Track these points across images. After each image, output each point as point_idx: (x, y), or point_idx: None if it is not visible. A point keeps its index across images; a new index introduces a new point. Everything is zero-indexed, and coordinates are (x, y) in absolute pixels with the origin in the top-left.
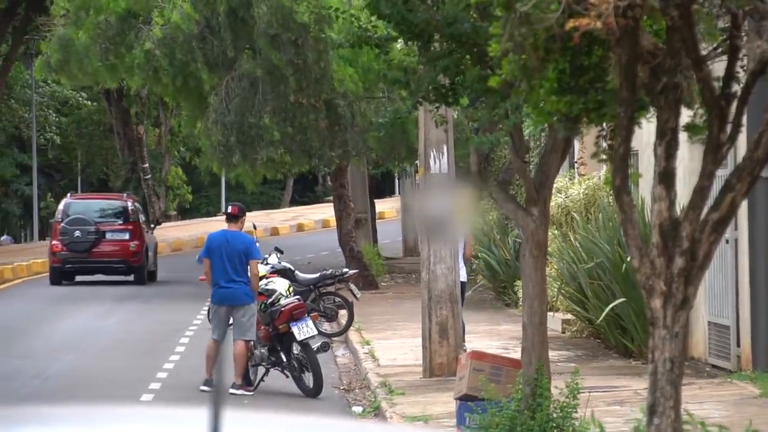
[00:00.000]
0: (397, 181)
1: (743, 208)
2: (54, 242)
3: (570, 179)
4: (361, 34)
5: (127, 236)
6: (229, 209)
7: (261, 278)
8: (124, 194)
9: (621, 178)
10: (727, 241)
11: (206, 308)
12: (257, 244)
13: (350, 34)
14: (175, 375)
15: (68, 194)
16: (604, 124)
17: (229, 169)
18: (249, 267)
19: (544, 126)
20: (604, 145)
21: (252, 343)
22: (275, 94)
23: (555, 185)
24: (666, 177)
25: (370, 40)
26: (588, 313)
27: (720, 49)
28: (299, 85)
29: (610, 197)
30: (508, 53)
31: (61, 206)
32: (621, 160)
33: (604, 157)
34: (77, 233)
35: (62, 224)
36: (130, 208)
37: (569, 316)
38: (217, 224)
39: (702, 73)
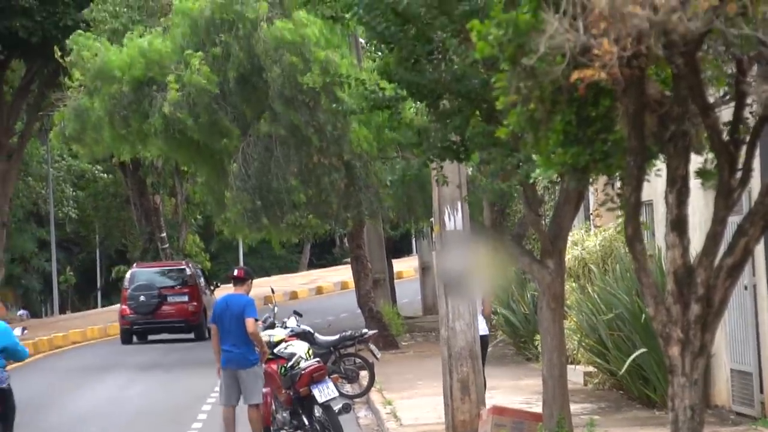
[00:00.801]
0: (414, 240)
1: (760, 253)
2: (123, 307)
3: (586, 231)
4: (375, 98)
5: (186, 298)
6: (235, 272)
7: (279, 342)
8: (184, 260)
9: (633, 228)
10: (745, 288)
11: None
12: (270, 307)
13: (362, 99)
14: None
15: (134, 264)
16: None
17: (257, 234)
18: (246, 325)
19: (555, 178)
20: (612, 192)
21: (273, 406)
22: (298, 156)
23: (571, 237)
24: (678, 224)
25: (381, 103)
26: (609, 365)
27: (727, 96)
28: (321, 145)
29: (626, 247)
30: (515, 105)
31: (128, 275)
32: (632, 209)
33: (612, 204)
34: (142, 298)
35: (129, 290)
36: (188, 273)
37: (591, 368)
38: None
39: (710, 120)
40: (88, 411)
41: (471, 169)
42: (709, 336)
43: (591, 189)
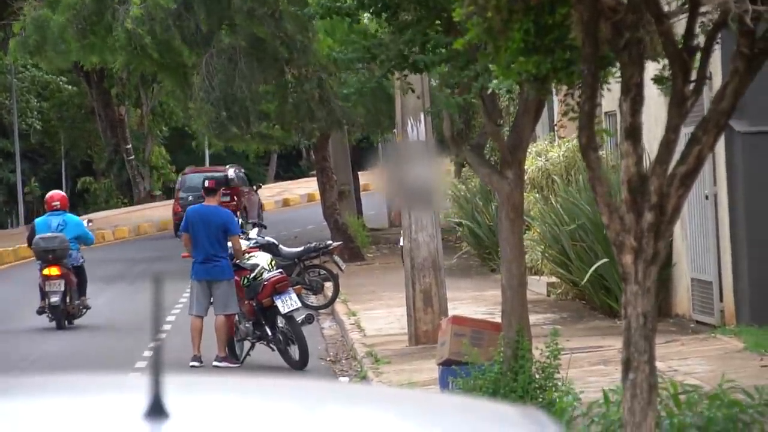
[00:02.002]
0: (381, 152)
1: (721, 163)
2: (175, 204)
3: (550, 142)
4: (330, 5)
5: (227, 198)
6: (206, 183)
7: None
8: (228, 166)
9: (587, 136)
10: (706, 197)
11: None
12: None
13: (319, 5)
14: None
15: (186, 169)
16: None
17: (226, 142)
18: (231, 243)
19: (514, 87)
20: (572, 102)
21: (236, 317)
22: (261, 67)
23: (534, 148)
24: (632, 133)
25: (340, 10)
26: (572, 276)
27: (685, 5)
28: (288, 56)
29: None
30: (472, 16)
31: (179, 178)
32: (587, 117)
33: (573, 114)
34: (190, 198)
35: (180, 191)
36: (229, 176)
37: (554, 279)
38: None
39: (663, 27)
40: (50, 323)
41: (436, 81)
42: (661, 244)
43: (555, 99)
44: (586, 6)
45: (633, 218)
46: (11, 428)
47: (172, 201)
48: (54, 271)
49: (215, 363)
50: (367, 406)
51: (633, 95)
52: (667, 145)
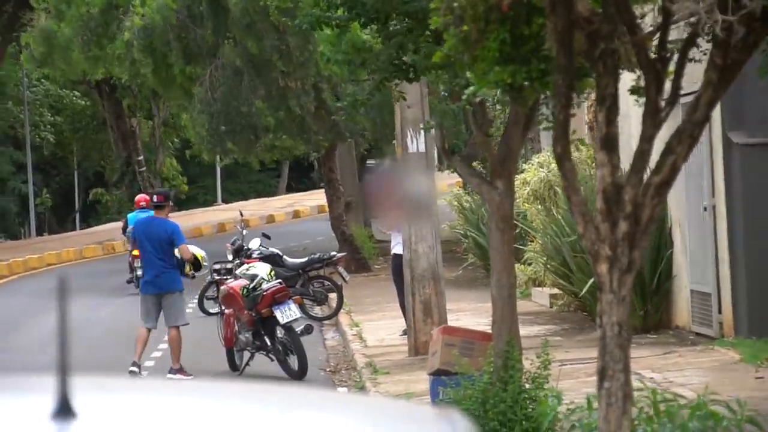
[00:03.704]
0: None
1: (719, 174)
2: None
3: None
4: (319, 15)
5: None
6: (155, 198)
7: (242, 264)
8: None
9: (562, 146)
10: (705, 209)
11: (196, 297)
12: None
13: (309, 15)
14: (162, 362)
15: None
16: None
17: (220, 157)
18: (181, 253)
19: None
20: (546, 112)
21: (236, 327)
22: (261, 80)
23: (537, 160)
24: (607, 143)
25: (329, 20)
26: (573, 287)
27: (655, 14)
28: (287, 69)
29: (593, 170)
30: (449, 27)
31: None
32: (561, 127)
33: (547, 124)
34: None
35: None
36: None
37: (556, 290)
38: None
39: (636, 37)
40: (53, 332)
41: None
42: (636, 253)
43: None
44: (560, 16)
45: (608, 227)
46: None
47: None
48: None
49: (169, 375)
50: (279, 406)
51: (608, 105)
52: (641, 155)
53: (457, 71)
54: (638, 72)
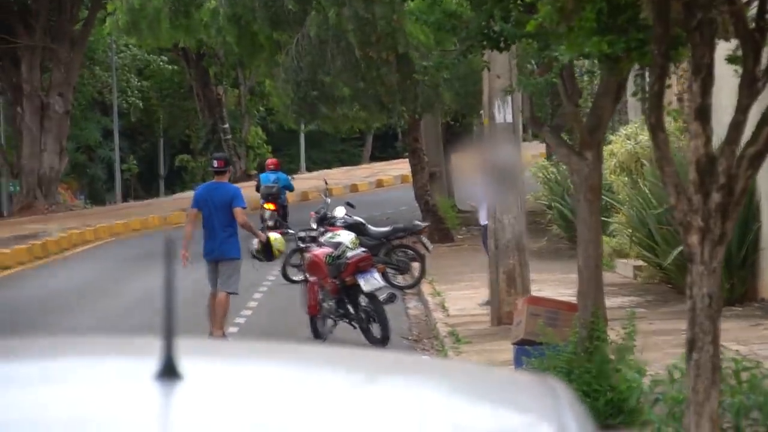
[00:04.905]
0: (475, 134)
1: None
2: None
3: (641, 126)
4: None
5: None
6: (215, 163)
7: (325, 232)
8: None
9: (656, 116)
10: None
11: (281, 267)
12: (324, 198)
13: None
14: (246, 327)
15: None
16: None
17: (305, 124)
18: (235, 215)
19: (592, 68)
20: (641, 82)
21: (320, 295)
22: (340, 50)
23: (625, 132)
24: (702, 113)
25: None
26: (658, 259)
27: None
28: (367, 40)
29: (681, 141)
30: None
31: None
32: (656, 97)
33: (642, 95)
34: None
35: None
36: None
37: (640, 262)
38: (297, 182)
39: (735, 7)
40: (139, 297)
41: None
42: (729, 224)
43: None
44: None
45: (700, 199)
46: (19, 391)
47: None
48: (270, 206)
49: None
50: (360, 368)
51: (703, 75)
52: (736, 125)
53: (548, 41)
54: (735, 42)
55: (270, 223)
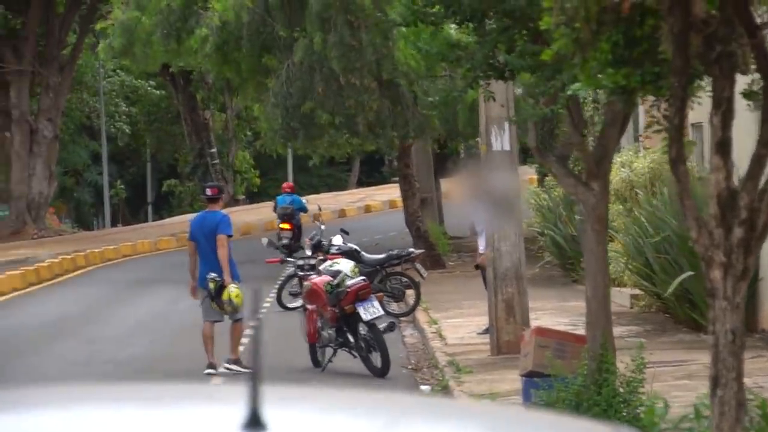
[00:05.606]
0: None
1: None
2: None
3: (635, 153)
4: (417, 10)
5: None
6: (208, 191)
7: (324, 260)
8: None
9: (676, 149)
10: None
11: (274, 290)
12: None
13: (408, 11)
14: (245, 357)
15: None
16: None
17: (292, 149)
18: (217, 242)
19: (596, 97)
20: (657, 114)
21: (319, 323)
22: (323, 76)
23: (619, 159)
24: (722, 147)
25: (425, 17)
26: (656, 288)
27: None
28: (350, 66)
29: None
30: (560, 26)
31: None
32: (676, 130)
33: (658, 126)
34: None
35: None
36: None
37: (637, 291)
38: None
39: (756, 40)
40: (134, 324)
41: (520, 90)
42: (752, 259)
43: (641, 110)
44: (676, 19)
45: (722, 233)
46: None
47: (254, 206)
48: (286, 226)
49: (225, 365)
50: (455, 422)
51: (724, 109)
52: (758, 159)
53: (554, 72)
54: (751, 75)
55: (285, 243)
